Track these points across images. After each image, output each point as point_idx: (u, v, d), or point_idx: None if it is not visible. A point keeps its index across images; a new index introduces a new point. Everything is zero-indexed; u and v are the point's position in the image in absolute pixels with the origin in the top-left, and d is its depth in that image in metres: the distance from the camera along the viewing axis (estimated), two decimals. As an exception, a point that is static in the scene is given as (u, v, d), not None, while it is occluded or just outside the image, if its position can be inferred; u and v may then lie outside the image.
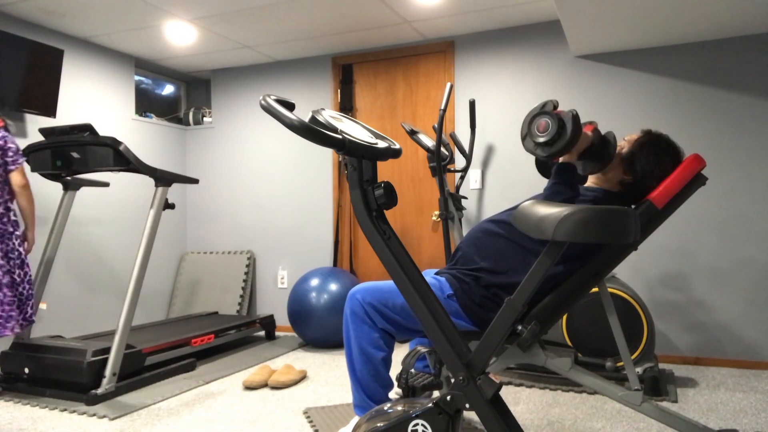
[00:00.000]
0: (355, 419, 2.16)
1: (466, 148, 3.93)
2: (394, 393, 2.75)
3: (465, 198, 3.80)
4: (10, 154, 2.85)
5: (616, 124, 3.65)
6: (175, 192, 4.88)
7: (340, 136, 1.33)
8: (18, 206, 2.93)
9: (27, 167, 3.02)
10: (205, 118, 4.98)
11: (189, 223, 5.00)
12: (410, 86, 4.24)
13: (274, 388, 3.02)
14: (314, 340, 3.87)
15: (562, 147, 1.64)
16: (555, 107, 1.69)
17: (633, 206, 1.89)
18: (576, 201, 1.83)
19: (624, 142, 1.94)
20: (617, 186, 1.92)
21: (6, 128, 2.92)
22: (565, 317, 2.97)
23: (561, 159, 1.83)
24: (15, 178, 2.87)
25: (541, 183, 3.79)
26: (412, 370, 1.88)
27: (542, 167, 2.09)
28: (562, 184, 1.80)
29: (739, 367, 3.36)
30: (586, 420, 2.47)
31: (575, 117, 1.63)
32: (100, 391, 2.75)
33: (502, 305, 1.40)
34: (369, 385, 2.03)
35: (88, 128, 2.86)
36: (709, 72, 3.46)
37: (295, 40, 4.12)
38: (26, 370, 2.92)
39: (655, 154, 1.86)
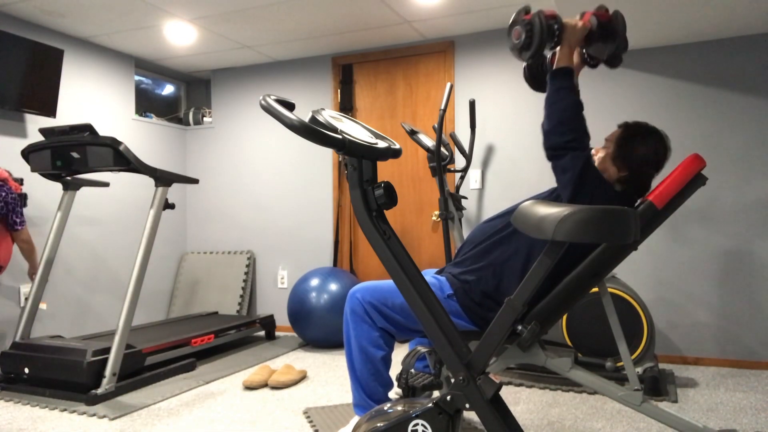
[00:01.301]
0: (355, 419, 2.16)
1: (466, 148, 3.93)
2: (394, 393, 2.75)
3: (465, 198, 3.80)
4: (17, 218, 3.06)
5: (615, 125, 3.64)
6: (175, 192, 4.88)
7: (340, 136, 1.33)
8: (22, 253, 3.19)
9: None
10: (205, 118, 4.98)
11: (189, 223, 5.00)
12: (410, 86, 4.24)
13: (274, 388, 3.02)
14: (314, 340, 3.87)
15: (537, 47, 1.69)
16: (527, 12, 1.74)
17: (637, 199, 1.89)
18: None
19: (606, 143, 1.93)
20: (617, 186, 1.90)
21: (19, 191, 3.16)
22: (565, 317, 2.97)
23: (561, 62, 1.78)
24: (22, 235, 3.12)
25: (540, 182, 3.79)
26: (412, 370, 1.88)
27: (533, 82, 2.05)
28: (561, 88, 1.76)
29: (739, 367, 3.36)
30: (586, 420, 2.47)
31: (541, 17, 1.68)
32: (100, 391, 2.75)
33: (502, 305, 1.40)
34: (369, 385, 2.03)
35: (88, 128, 2.86)
36: (709, 72, 3.46)
37: (295, 40, 4.12)
38: (26, 370, 2.92)
39: (641, 141, 1.85)
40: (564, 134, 1.76)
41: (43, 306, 3.30)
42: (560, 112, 1.75)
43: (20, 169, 3.61)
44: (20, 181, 3.21)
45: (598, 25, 1.81)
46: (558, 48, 1.81)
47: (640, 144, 1.84)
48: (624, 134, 1.88)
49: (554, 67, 1.81)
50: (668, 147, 1.86)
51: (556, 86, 1.78)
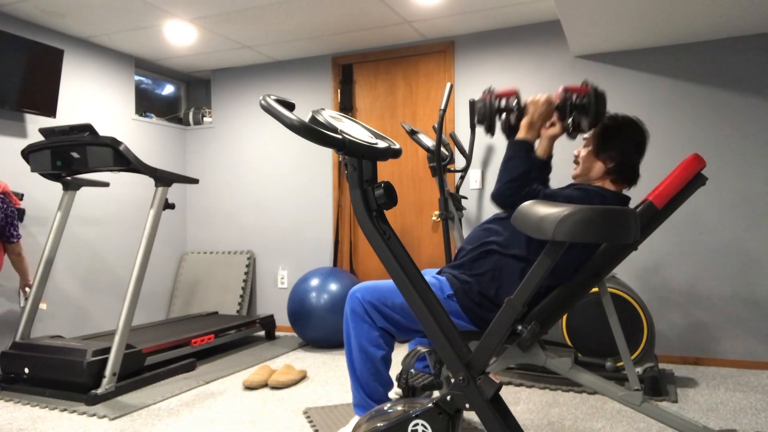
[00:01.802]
0: (355, 419, 2.16)
1: (466, 148, 3.93)
2: (394, 393, 2.76)
3: (465, 198, 3.79)
4: (14, 231, 3.11)
5: (616, 124, 3.64)
6: (175, 192, 4.88)
7: (340, 136, 1.33)
8: (16, 265, 3.23)
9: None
10: (205, 118, 4.98)
11: (189, 223, 5.00)
12: (410, 86, 4.24)
13: (274, 388, 3.02)
14: (314, 340, 3.87)
15: (488, 124, 1.91)
16: (489, 92, 1.95)
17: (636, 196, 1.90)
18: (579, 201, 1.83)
19: (586, 141, 1.99)
20: (608, 178, 1.94)
21: (18, 206, 3.21)
22: (565, 317, 2.97)
23: (519, 134, 1.91)
24: (15, 248, 3.16)
25: (541, 183, 3.79)
26: (412, 370, 1.88)
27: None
28: (512, 158, 1.87)
29: (739, 367, 3.36)
30: (586, 420, 2.47)
31: (491, 96, 1.89)
32: (100, 391, 2.75)
33: (502, 305, 1.40)
34: (369, 384, 2.03)
35: (88, 128, 2.86)
36: (709, 72, 3.46)
37: (295, 40, 4.12)
38: (26, 370, 2.92)
39: (619, 131, 1.93)
40: (507, 198, 1.86)
41: (43, 306, 3.31)
42: (507, 181, 1.86)
43: (20, 169, 3.62)
44: (20, 196, 3.25)
45: (570, 99, 1.92)
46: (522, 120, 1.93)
47: (619, 134, 1.92)
48: (602, 129, 1.95)
49: (514, 137, 1.92)
50: (645, 131, 1.94)
51: (507, 155, 1.89)
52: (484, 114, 1.92)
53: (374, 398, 2.05)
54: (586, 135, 1.99)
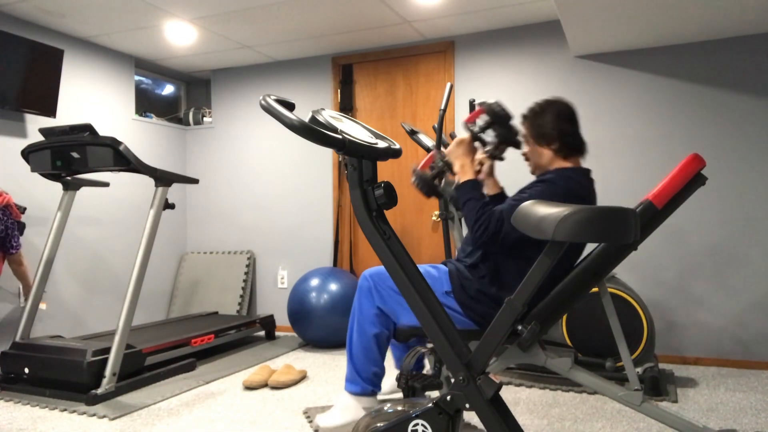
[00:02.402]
0: (343, 396, 2.24)
1: (466, 148, 3.92)
2: (390, 386, 2.79)
3: (465, 198, 3.79)
4: (16, 240, 3.20)
5: (615, 124, 3.65)
6: (175, 192, 4.88)
7: (340, 136, 1.33)
8: (17, 273, 3.32)
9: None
10: (205, 118, 4.98)
11: (189, 223, 5.00)
12: (410, 86, 4.24)
13: (274, 388, 3.02)
14: (314, 340, 3.87)
15: (425, 193, 2.00)
16: (414, 170, 2.04)
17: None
18: (543, 189, 1.92)
19: (524, 138, 2.09)
20: (559, 157, 2.01)
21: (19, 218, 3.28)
22: (565, 317, 2.97)
23: (460, 177, 1.99)
24: (15, 257, 3.24)
25: (541, 183, 3.79)
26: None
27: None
28: (468, 200, 1.92)
29: (739, 367, 3.36)
30: (586, 420, 2.47)
31: (418, 174, 2.00)
32: (100, 391, 2.75)
33: (501, 303, 1.40)
34: (359, 358, 2.19)
35: (88, 128, 2.86)
36: (709, 72, 3.46)
37: (295, 40, 4.12)
38: (26, 370, 2.92)
39: (541, 115, 2.02)
40: (485, 238, 1.89)
41: (43, 306, 3.31)
42: (473, 225, 1.91)
43: (20, 169, 3.62)
44: (23, 210, 3.27)
45: (474, 125, 2.02)
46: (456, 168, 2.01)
47: (545, 116, 2.02)
48: (530, 120, 2.06)
49: (458, 182, 1.98)
50: (566, 103, 2.04)
51: (462, 201, 1.95)
52: (423, 185, 2.00)
53: (363, 375, 2.21)
54: (520, 136, 2.08)
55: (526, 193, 1.92)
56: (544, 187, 1.90)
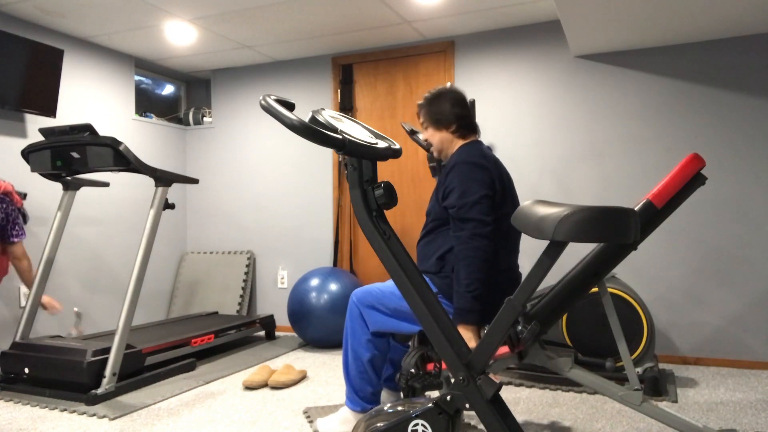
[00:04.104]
0: (344, 409, 2.28)
1: (466, 148, 3.93)
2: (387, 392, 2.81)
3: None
4: (17, 228, 3.05)
5: (615, 124, 3.65)
6: (175, 192, 4.88)
7: (340, 136, 1.33)
8: (17, 269, 3.14)
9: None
10: (205, 118, 4.98)
11: (189, 223, 5.00)
12: (410, 86, 4.24)
13: (274, 388, 3.02)
14: (314, 340, 3.87)
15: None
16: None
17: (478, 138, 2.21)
18: (455, 164, 2.03)
19: (422, 125, 2.21)
20: (458, 136, 2.16)
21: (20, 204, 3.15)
22: (565, 317, 2.97)
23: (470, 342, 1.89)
24: (16, 250, 3.07)
25: (540, 182, 3.79)
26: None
27: None
28: (470, 310, 1.89)
29: (739, 367, 3.36)
30: (586, 420, 2.47)
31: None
32: (100, 391, 2.75)
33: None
34: (357, 382, 2.21)
35: (88, 128, 2.86)
36: (709, 72, 3.46)
37: (295, 40, 4.12)
38: (26, 370, 2.92)
39: (435, 101, 2.15)
40: (483, 262, 1.93)
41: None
42: (476, 270, 1.90)
43: (20, 169, 3.62)
44: (23, 196, 3.19)
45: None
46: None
47: (440, 102, 2.15)
48: (423, 110, 2.19)
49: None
50: (458, 90, 2.18)
51: (473, 310, 1.91)
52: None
53: (361, 395, 2.23)
54: (420, 121, 2.21)
55: (444, 185, 2.02)
56: (456, 175, 1.98)
